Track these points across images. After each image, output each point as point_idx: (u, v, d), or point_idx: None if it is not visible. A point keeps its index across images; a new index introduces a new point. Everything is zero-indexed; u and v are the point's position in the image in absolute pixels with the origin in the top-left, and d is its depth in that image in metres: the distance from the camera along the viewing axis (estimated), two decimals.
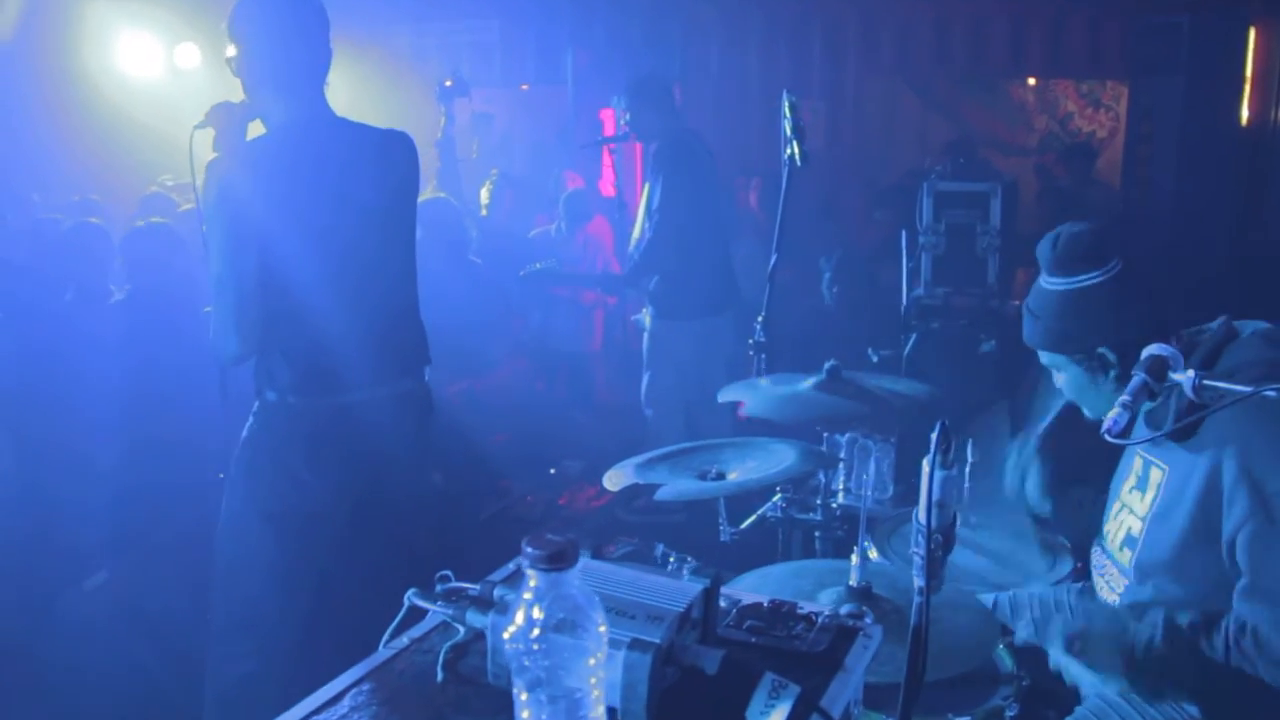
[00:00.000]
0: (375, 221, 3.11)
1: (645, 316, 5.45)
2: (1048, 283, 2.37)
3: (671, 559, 2.78)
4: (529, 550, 1.19)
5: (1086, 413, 2.46)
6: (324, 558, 3.13)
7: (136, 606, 4.14)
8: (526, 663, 1.19)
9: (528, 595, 1.20)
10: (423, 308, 3.33)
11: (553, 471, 6.05)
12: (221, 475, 3.33)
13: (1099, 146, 9.48)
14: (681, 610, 1.47)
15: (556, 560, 1.19)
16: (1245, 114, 7.80)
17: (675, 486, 2.86)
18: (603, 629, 1.22)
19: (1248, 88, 7.75)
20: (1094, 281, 2.29)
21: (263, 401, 3.08)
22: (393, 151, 3.18)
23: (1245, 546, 2.09)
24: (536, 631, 1.18)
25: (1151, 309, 2.29)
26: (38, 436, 4.35)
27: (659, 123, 5.19)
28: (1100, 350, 2.31)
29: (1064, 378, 2.44)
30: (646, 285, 5.29)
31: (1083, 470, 2.78)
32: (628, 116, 5.26)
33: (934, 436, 1.63)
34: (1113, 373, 2.32)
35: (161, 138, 6.44)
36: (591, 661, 1.21)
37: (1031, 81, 9.98)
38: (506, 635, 1.18)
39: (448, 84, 7.14)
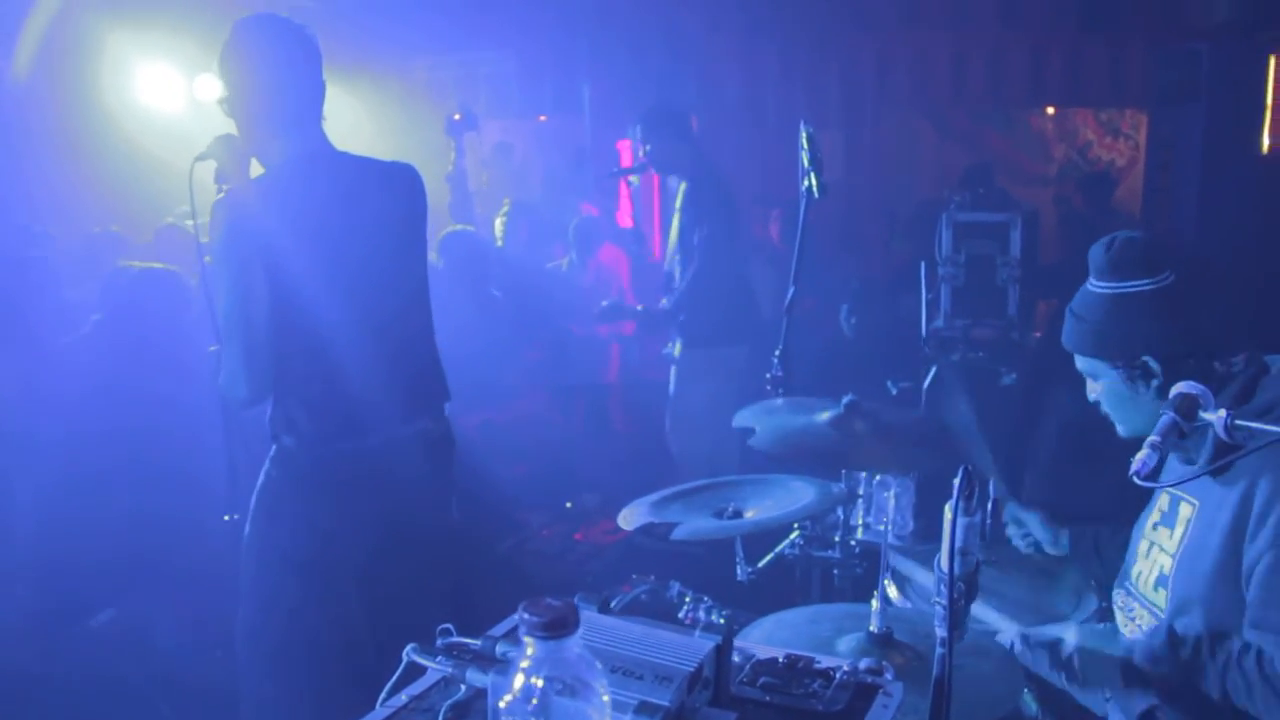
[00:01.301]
0: (384, 256, 3.06)
1: (675, 348, 5.40)
2: (1095, 285, 2.31)
3: (688, 599, 2.72)
4: (526, 617, 1.12)
5: (1120, 429, 2.38)
6: (347, 599, 3.07)
7: (143, 643, 4.10)
8: None
9: (525, 664, 1.13)
10: (443, 341, 3.27)
11: (569, 505, 5.98)
12: (227, 517, 3.27)
13: (1118, 175, 9.44)
14: (692, 670, 1.40)
15: (556, 628, 1.12)
16: (1266, 142, 7.75)
17: (691, 526, 2.81)
18: (606, 698, 1.15)
19: (1268, 116, 7.71)
20: (1143, 289, 2.24)
21: (280, 447, 3.02)
22: (398, 183, 3.13)
23: (1264, 574, 2.04)
24: (534, 702, 1.11)
25: (1200, 326, 2.23)
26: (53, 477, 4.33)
27: (682, 155, 5.18)
28: (1144, 358, 2.24)
29: (1100, 387, 2.36)
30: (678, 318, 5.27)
31: (1097, 508, 2.72)
32: (648, 148, 5.23)
33: (956, 482, 1.57)
34: (1155, 383, 2.24)
35: (178, 170, 6.43)
36: None
37: (1050, 110, 9.93)
38: (503, 705, 1.12)
39: (456, 118, 7.11)
